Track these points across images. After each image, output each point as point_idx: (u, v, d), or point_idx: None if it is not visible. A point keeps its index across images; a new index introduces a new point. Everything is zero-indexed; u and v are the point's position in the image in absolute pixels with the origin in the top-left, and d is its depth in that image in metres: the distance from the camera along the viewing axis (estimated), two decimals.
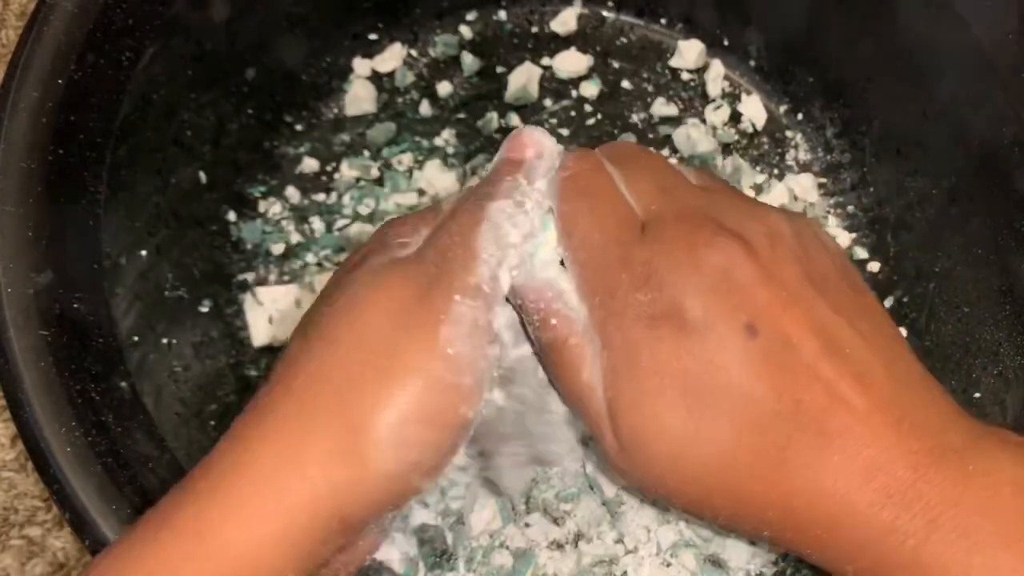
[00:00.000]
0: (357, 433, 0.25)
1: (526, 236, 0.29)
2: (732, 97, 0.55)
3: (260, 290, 0.47)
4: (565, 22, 0.55)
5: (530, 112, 0.53)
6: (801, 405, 0.25)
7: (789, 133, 0.54)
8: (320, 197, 0.51)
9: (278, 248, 0.49)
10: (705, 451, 0.26)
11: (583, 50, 0.55)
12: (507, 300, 0.30)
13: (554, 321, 0.28)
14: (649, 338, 0.26)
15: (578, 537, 0.44)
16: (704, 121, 0.54)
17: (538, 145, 0.31)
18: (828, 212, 0.52)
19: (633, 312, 0.27)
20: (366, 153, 0.52)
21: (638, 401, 0.26)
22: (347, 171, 0.51)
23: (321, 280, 0.48)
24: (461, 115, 0.53)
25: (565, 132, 0.53)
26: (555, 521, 0.44)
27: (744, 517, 0.27)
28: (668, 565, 0.43)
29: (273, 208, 0.50)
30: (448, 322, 0.26)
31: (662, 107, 0.54)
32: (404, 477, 0.26)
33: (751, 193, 0.52)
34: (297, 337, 0.28)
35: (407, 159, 0.52)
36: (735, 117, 0.54)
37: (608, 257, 0.28)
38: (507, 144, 0.32)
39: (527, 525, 0.44)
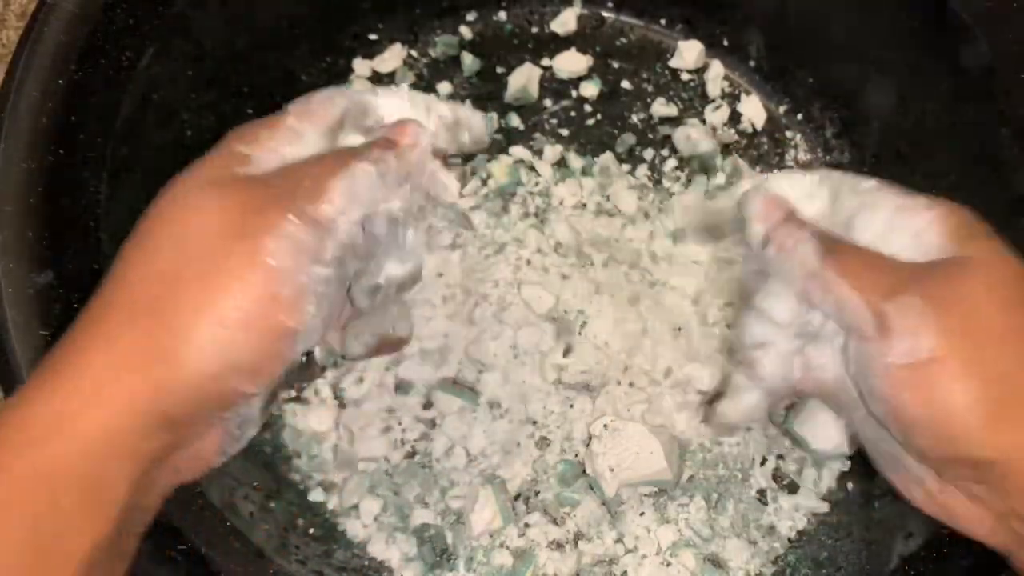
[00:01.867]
0: (173, 333, 0.27)
1: (375, 201, 0.31)
2: (732, 97, 0.55)
3: None
4: (565, 22, 0.55)
5: (530, 112, 0.53)
6: None
7: (789, 133, 0.54)
8: None
9: None
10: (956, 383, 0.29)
11: (583, 50, 0.55)
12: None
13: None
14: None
15: (578, 537, 0.44)
16: (704, 121, 0.54)
17: (416, 139, 0.33)
18: None
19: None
20: None
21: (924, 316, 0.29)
22: None
23: None
24: None
25: (565, 132, 0.53)
26: (555, 521, 0.45)
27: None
28: (668, 565, 0.43)
29: None
30: (274, 235, 0.27)
31: (662, 107, 0.54)
32: (222, 377, 0.27)
33: None
34: (128, 238, 0.29)
35: None
36: (735, 117, 0.54)
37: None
38: (392, 127, 0.33)
39: (527, 525, 0.44)
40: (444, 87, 0.54)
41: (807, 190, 0.35)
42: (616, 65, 0.55)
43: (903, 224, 0.33)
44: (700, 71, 0.55)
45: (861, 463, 0.42)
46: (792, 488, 0.46)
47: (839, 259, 0.32)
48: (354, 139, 0.33)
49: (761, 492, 0.45)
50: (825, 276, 0.32)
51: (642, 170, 0.52)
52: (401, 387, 0.46)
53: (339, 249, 0.29)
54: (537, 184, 0.51)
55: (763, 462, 0.46)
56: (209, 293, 0.27)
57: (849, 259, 0.32)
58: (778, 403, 0.36)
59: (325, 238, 0.29)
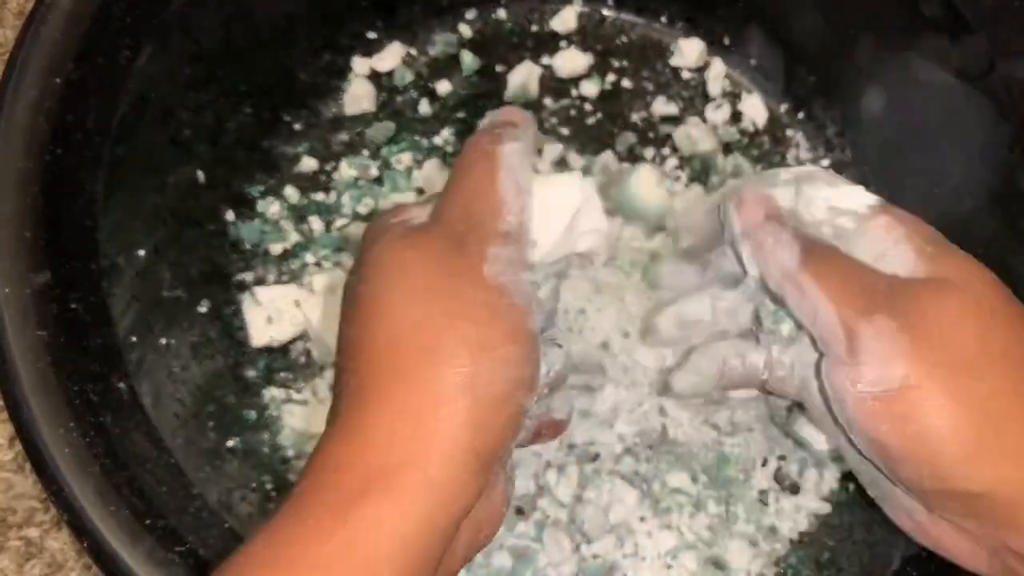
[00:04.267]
0: (461, 368, 0.27)
1: (532, 178, 0.31)
2: (733, 96, 0.54)
3: (258, 290, 0.47)
4: (565, 20, 0.55)
5: (530, 111, 0.53)
6: None
7: (790, 132, 0.54)
8: (319, 196, 0.51)
9: (277, 248, 0.49)
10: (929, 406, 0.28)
11: (583, 49, 0.55)
12: None
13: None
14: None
15: (578, 540, 0.44)
16: (705, 120, 0.53)
17: (518, 116, 0.34)
18: None
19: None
20: (365, 152, 0.52)
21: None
22: (346, 170, 0.51)
23: (320, 280, 0.47)
24: (460, 114, 0.53)
25: (565, 131, 0.53)
26: (555, 524, 0.44)
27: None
28: (669, 567, 0.43)
29: (272, 208, 0.50)
30: (488, 262, 0.29)
31: (663, 106, 0.53)
32: (511, 397, 0.28)
33: None
34: (350, 322, 0.29)
35: (406, 158, 0.52)
36: (736, 116, 0.54)
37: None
38: (494, 114, 0.34)
39: (527, 526, 0.44)
40: (443, 86, 0.53)
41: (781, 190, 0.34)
42: (616, 64, 0.55)
43: (868, 243, 0.32)
44: (701, 70, 0.55)
45: None
46: (794, 489, 0.45)
47: (819, 265, 0.30)
48: None
49: (762, 493, 0.45)
50: (801, 280, 0.30)
51: None
52: None
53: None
54: None
55: (764, 463, 0.46)
56: (470, 325, 0.27)
57: (829, 266, 0.30)
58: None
59: (522, 242, 0.30)
